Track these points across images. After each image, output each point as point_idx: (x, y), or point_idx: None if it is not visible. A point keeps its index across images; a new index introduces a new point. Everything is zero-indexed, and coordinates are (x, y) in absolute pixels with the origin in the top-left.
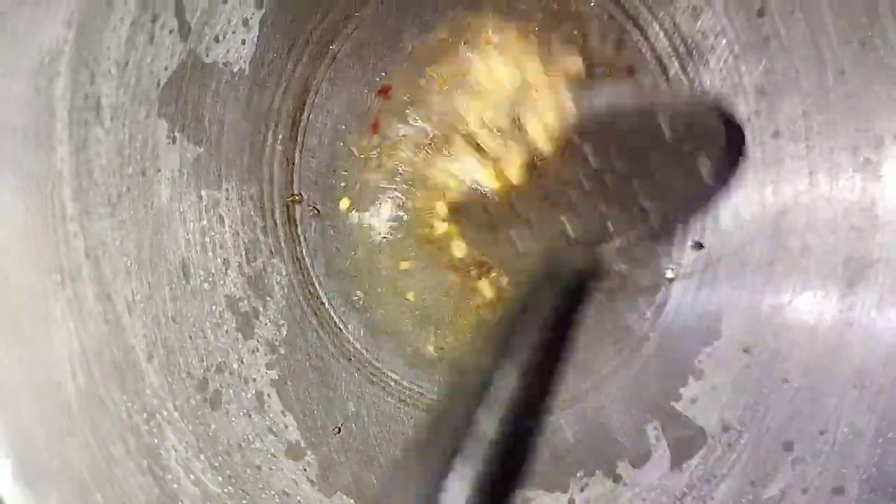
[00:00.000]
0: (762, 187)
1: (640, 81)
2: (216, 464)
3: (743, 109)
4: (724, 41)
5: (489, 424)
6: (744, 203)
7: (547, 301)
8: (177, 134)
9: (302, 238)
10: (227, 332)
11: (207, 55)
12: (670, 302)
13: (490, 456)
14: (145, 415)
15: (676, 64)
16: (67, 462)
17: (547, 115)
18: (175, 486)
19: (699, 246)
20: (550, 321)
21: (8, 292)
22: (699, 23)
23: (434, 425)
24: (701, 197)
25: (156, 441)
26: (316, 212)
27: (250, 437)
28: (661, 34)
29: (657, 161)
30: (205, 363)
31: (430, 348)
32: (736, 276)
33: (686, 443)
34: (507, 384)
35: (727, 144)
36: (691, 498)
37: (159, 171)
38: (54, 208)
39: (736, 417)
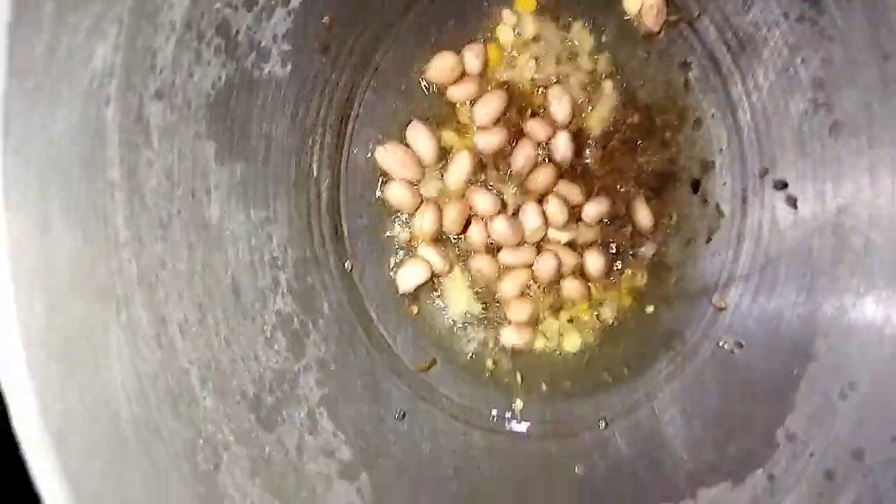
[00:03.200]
0: (822, 183)
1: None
2: (272, 487)
3: (800, 104)
4: (777, 32)
5: None
6: (802, 200)
7: None
8: (225, 153)
9: (350, 253)
10: (278, 351)
11: (254, 70)
12: (727, 305)
13: None
14: (200, 440)
15: (729, 58)
16: (123, 491)
17: None
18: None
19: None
20: None
21: (64, 321)
22: (750, 15)
23: None
24: None
25: (211, 467)
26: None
27: (305, 458)
28: (712, 28)
29: None
30: (257, 384)
31: (484, 363)
32: (796, 277)
33: (748, 454)
34: None
35: None
36: None
37: (209, 191)
38: (107, 235)
39: (801, 426)
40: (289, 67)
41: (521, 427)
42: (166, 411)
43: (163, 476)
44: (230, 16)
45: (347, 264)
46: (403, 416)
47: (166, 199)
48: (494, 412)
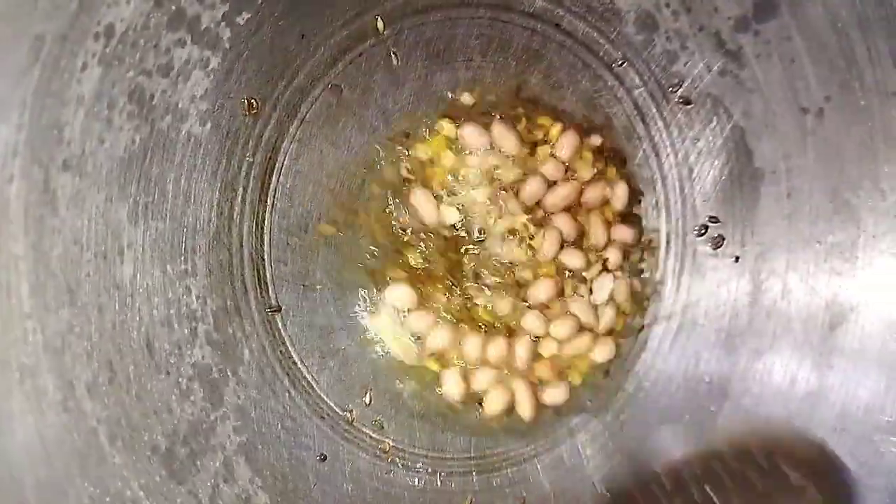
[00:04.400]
0: (742, 228)
1: None
2: None
3: (722, 153)
4: (700, 85)
5: None
6: (722, 244)
7: None
8: (139, 212)
9: (273, 299)
10: (193, 402)
11: (170, 132)
12: (648, 346)
13: None
14: (108, 498)
15: (653, 107)
16: None
17: None
18: None
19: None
20: None
21: None
22: (674, 67)
23: None
24: None
25: None
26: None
27: None
28: (637, 79)
29: None
30: (171, 437)
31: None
32: (715, 318)
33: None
34: None
35: None
36: None
37: (122, 251)
38: (11, 306)
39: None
40: (208, 126)
41: (446, 464)
42: (73, 472)
43: None
44: (144, 83)
45: (269, 309)
46: (324, 458)
47: (74, 264)
48: (417, 449)
